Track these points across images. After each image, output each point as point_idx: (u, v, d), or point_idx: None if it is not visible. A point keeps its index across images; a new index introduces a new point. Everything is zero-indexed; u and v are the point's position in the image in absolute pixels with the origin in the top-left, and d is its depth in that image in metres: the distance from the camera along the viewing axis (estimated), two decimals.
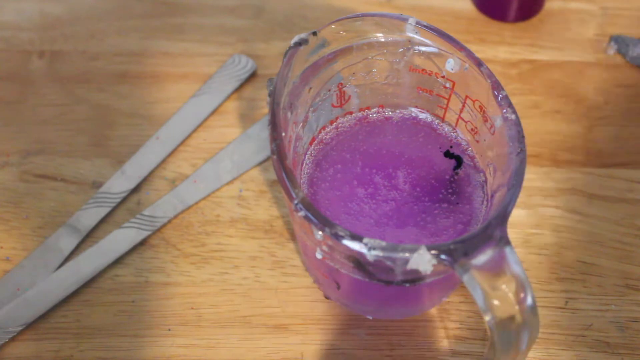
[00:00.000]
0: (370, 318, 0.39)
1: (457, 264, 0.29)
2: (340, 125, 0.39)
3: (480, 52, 0.49)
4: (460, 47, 0.35)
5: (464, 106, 0.36)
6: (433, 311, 0.39)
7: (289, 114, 0.34)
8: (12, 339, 0.38)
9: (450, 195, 0.37)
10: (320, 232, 0.30)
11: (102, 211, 0.42)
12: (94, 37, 0.50)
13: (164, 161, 0.44)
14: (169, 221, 0.42)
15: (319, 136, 0.38)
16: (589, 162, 0.45)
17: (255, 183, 0.44)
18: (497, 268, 0.29)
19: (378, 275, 0.32)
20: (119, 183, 0.43)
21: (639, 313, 0.40)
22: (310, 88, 0.36)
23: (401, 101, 0.39)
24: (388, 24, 0.36)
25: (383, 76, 0.38)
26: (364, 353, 0.38)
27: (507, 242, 0.30)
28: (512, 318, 0.29)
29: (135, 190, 0.43)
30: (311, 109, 0.37)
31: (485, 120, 0.35)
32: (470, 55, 0.35)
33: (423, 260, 0.29)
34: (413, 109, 0.39)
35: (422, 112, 0.39)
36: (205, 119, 0.46)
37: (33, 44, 0.49)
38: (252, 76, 0.48)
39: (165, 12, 0.51)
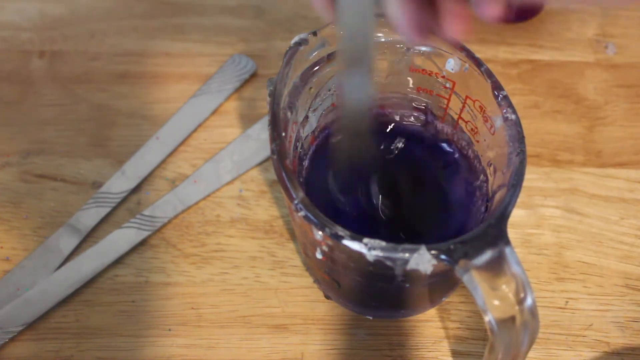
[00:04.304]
0: (371, 318, 0.39)
1: (457, 264, 0.29)
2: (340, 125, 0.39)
3: (480, 52, 0.49)
4: (461, 47, 0.35)
5: (464, 106, 0.36)
6: (433, 311, 0.39)
7: (289, 114, 0.34)
8: (12, 339, 0.38)
9: (451, 195, 0.37)
10: (320, 232, 0.30)
11: (102, 211, 0.42)
12: (94, 37, 0.50)
13: (164, 161, 0.44)
14: (169, 221, 0.42)
15: (320, 136, 0.38)
16: (589, 162, 0.45)
17: (256, 183, 0.44)
18: (497, 268, 0.29)
19: (378, 275, 0.32)
20: (119, 183, 0.43)
21: (639, 313, 0.40)
22: (311, 88, 0.36)
23: (401, 101, 0.39)
24: (388, 24, 0.36)
25: (383, 76, 0.38)
26: (364, 353, 0.38)
27: (507, 242, 0.30)
28: (512, 318, 0.29)
29: (135, 190, 0.43)
30: (311, 109, 0.37)
31: (486, 121, 0.35)
32: (470, 55, 0.35)
33: (423, 260, 0.29)
34: (413, 109, 0.39)
35: (422, 113, 0.39)
36: (205, 119, 0.46)
37: (33, 44, 0.49)
38: (252, 76, 0.48)
39: (165, 12, 0.51)
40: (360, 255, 0.30)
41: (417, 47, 0.36)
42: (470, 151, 0.37)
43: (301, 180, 0.37)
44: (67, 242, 0.41)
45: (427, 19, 0.27)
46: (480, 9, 0.26)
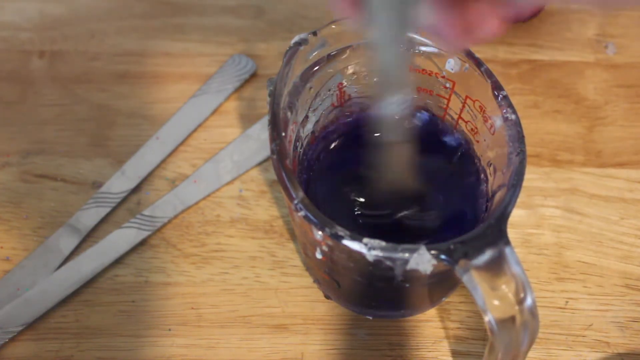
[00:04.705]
0: (370, 318, 0.39)
1: (457, 264, 0.29)
2: (340, 125, 0.39)
3: (480, 52, 0.48)
4: None
5: (464, 106, 0.36)
6: (433, 311, 0.39)
7: (289, 113, 0.34)
8: (12, 339, 0.38)
9: (450, 195, 0.37)
10: (320, 232, 0.30)
11: (102, 211, 0.42)
12: (94, 37, 0.50)
13: (164, 161, 0.44)
14: (169, 221, 0.42)
15: (320, 136, 0.38)
16: (589, 162, 0.45)
17: (255, 183, 0.44)
18: (497, 268, 0.29)
19: (378, 275, 0.32)
20: (119, 183, 0.43)
21: (639, 313, 0.40)
22: (311, 88, 0.36)
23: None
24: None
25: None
26: (364, 353, 0.38)
27: (507, 242, 0.30)
28: (512, 318, 0.29)
29: (135, 190, 0.43)
30: (311, 109, 0.37)
31: (485, 120, 0.35)
32: (470, 55, 0.35)
33: (423, 260, 0.29)
34: (413, 109, 0.39)
35: (422, 112, 0.39)
36: (205, 119, 0.46)
37: (33, 44, 0.49)
38: (252, 76, 0.48)
39: (165, 12, 0.51)
40: (360, 255, 0.30)
41: (417, 47, 0.36)
42: (470, 151, 0.37)
43: (301, 180, 0.37)
44: (67, 242, 0.41)
45: (463, 22, 0.27)
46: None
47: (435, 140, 0.39)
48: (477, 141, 0.37)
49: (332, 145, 0.38)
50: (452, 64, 0.36)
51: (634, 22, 0.51)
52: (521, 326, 0.29)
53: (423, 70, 0.37)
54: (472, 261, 0.29)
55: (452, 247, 0.29)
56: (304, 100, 0.36)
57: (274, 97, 0.33)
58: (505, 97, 0.34)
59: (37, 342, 0.38)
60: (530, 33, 0.50)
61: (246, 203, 0.43)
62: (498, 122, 0.34)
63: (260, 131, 0.45)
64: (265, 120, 0.46)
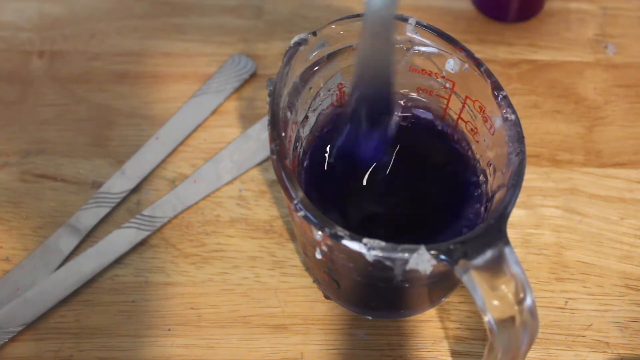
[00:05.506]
0: (370, 318, 0.39)
1: (457, 264, 0.29)
2: (340, 125, 0.39)
3: (480, 52, 0.49)
4: (460, 48, 0.35)
5: (463, 106, 0.36)
6: (433, 311, 0.39)
7: (288, 113, 0.34)
8: (12, 339, 0.38)
9: (450, 195, 0.37)
10: (319, 232, 0.30)
11: (102, 211, 0.42)
12: (94, 37, 0.50)
13: (164, 161, 0.44)
14: (169, 221, 0.42)
15: (319, 136, 0.38)
16: (589, 162, 0.45)
17: (255, 183, 0.44)
18: (496, 268, 0.29)
19: (378, 276, 0.32)
20: (119, 183, 0.43)
21: (638, 313, 0.40)
22: (310, 88, 0.36)
23: (401, 101, 0.39)
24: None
25: None
26: (364, 353, 0.38)
27: (507, 243, 0.30)
28: (511, 318, 0.29)
29: (135, 190, 0.43)
30: (311, 109, 0.37)
31: (485, 121, 0.35)
32: (470, 55, 0.35)
33: (422, 261, 0.29)
34: (413, 109, 0.39)
35: (422, 112, 0.39)
36: (205, 119, 0.46)
37: (33, 44, 0.49)
38: (252, 76, 0.48)
39: (165, 12, 0.51)
40: (359, 255, 0.30)
41: (417, 47, 0.36)
42: (470, 151, 0.37)
43: (301, 180, 0.37)
44: (67, 242, 0.41)
45: None
46: None
47: (435, 140, 0.39)
48: (477, 141, 0.37)
49: (332, 145, 0.38)
50: (452, 64, 0.36)
51: (634, 22, 0.51)
52: (521, 326, 0.29)
53: (423, 70, 0.37)
54: (472, 261, 0.29)
55: (451, 247, 0.29)
56: (304, 100, 0.36)
57: (274, 97, 0.33)
58: (505, 97, 0.34)
59: (37, 342, 0.38)
60: (530, 33, 0.50)
61: (246, 203, 0.43)
62: (498, 122, 0.34)
63: (260, 131, 0.45)
64: (265, 120, 0.46)
